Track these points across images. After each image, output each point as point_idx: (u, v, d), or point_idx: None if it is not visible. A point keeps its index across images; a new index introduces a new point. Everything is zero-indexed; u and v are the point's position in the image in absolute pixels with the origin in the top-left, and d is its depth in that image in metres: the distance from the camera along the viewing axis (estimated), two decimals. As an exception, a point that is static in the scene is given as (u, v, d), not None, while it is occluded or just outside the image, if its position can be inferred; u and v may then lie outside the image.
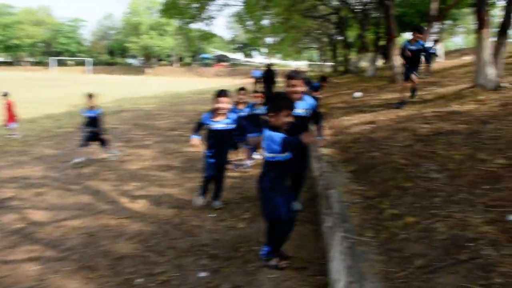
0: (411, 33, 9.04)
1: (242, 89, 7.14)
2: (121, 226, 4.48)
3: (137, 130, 11.02)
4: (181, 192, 5.65)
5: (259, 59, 71.76)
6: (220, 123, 4.84)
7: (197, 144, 4.92)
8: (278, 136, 3.16)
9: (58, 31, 77.69)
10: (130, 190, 5.75)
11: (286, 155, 3.28)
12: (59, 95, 22.03)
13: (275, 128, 3.21)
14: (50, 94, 22.95)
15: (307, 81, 12.12)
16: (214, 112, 4.85)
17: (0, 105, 10.51)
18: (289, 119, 3.21)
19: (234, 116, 4.98)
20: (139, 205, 5.12)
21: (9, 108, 10.00)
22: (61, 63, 72.30)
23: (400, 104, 8.04)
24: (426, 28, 9.24)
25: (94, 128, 7.42)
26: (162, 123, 12.27)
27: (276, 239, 3.47)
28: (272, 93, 4.47)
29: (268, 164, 3.36)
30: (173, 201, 5.26)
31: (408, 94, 8.67)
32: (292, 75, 4.12)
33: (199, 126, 4.94)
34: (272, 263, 3.46)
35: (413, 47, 8.50)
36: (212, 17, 25.78)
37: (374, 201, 3.47)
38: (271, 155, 3.29)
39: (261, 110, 6.55)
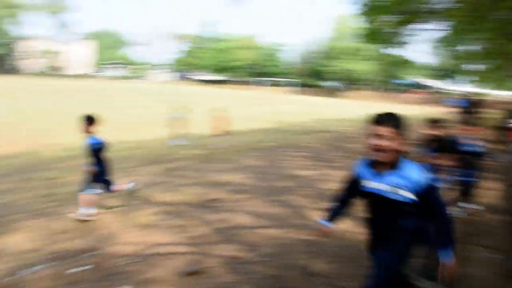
0: None
1: (436, 121, 4.96)
2: (316, 243, 4.53)
3: (332, 151, 11.57)
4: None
5: (459, 87, 65.65)
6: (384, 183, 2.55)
7: (327, 232, 3.05)
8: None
9: (264, 54, 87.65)
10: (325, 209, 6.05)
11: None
12: (264, 112, 24.45)
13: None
14: (258, 111, 25.71)
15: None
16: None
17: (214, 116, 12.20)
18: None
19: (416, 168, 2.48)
20: (334, 225, 5.34)
21: (223, 120, 11.48)
22: (261, 84, 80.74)
23: None
24: None
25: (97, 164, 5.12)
26: (354, 146, 12.53)
27: None
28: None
29: None
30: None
31: None
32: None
33: (352, 190, 2.94)
34: None
35: None
36: (407, 42, 25.01)
37: None
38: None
39: (480, 147, 5.17)
